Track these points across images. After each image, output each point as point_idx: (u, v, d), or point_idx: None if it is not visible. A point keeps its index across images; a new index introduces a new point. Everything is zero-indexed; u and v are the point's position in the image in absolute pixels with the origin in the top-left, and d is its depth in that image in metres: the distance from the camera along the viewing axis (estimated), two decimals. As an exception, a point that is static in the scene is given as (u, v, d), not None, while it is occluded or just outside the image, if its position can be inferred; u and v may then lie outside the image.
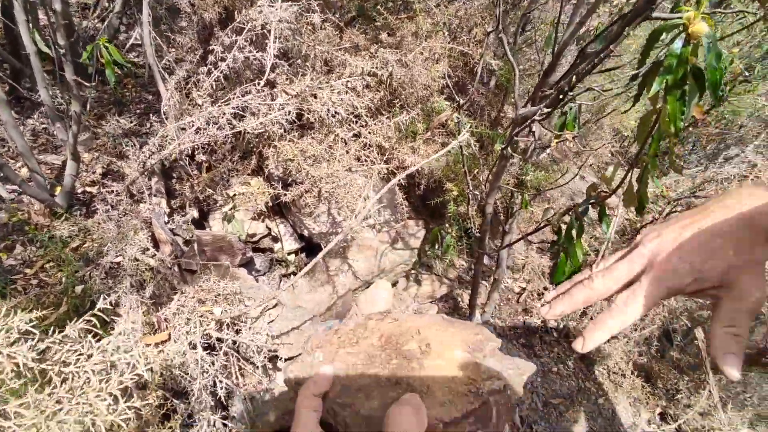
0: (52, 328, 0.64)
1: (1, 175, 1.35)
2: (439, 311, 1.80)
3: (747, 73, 2.75)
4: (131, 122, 2.21)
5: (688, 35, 0.66)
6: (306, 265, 1.74)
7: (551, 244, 1.24)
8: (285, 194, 1.33)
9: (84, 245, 1.44)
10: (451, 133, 1.42)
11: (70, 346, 0.62)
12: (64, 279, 1.23)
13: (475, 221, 1.42)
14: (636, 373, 2.26)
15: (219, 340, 1.02)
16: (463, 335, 0.53)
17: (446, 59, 1.49)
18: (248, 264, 1.59)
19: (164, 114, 1.75)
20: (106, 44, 1.23)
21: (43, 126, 1.95)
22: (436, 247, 1.44)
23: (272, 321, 1.33)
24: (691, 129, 3.29)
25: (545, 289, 2.55)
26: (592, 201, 0.98)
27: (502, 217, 1.74)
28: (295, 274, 1.71)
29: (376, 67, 1.45)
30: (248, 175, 1.78)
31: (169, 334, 0.98)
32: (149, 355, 0.87)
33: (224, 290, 1.11)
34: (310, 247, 1.79)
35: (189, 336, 0.93)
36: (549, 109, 1.02)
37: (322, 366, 0.50)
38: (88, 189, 1.66)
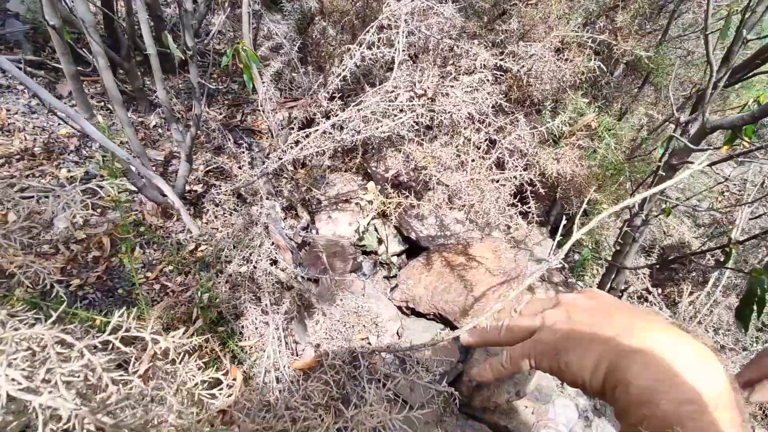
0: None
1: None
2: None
3: None
4: (220, 113, 2.18)
5: None
6: (405, 266, 1.67)
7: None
8: (416, 205, 1.23)
9: (199, 248, 1.41)
10: (593, 135, 1.28)
11: None
12: (191, 289, 1.20)
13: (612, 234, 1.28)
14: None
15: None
16: None
17: (585, 49, 1.33)
18: (357, 269, 1.53)
19: (261, 107, 1.69)
20: (245, 48, 1.16)
21: (140, 119, 1.93)
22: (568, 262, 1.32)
23: (400, 336, 1.26)
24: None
25: (646, 290, 2.38)
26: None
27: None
28: (396, 276, 1.65)
29: (505, 60, 1.31)
30: (353, 173, 1.70)
31: (319, 361, 0.93)
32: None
33: (361, 310, 1.04)
34: (413, 249, 1.71)
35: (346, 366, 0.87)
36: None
37: None
38: (193, 188, 1.63)
